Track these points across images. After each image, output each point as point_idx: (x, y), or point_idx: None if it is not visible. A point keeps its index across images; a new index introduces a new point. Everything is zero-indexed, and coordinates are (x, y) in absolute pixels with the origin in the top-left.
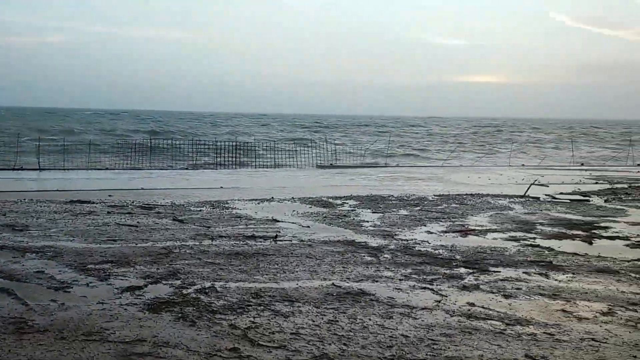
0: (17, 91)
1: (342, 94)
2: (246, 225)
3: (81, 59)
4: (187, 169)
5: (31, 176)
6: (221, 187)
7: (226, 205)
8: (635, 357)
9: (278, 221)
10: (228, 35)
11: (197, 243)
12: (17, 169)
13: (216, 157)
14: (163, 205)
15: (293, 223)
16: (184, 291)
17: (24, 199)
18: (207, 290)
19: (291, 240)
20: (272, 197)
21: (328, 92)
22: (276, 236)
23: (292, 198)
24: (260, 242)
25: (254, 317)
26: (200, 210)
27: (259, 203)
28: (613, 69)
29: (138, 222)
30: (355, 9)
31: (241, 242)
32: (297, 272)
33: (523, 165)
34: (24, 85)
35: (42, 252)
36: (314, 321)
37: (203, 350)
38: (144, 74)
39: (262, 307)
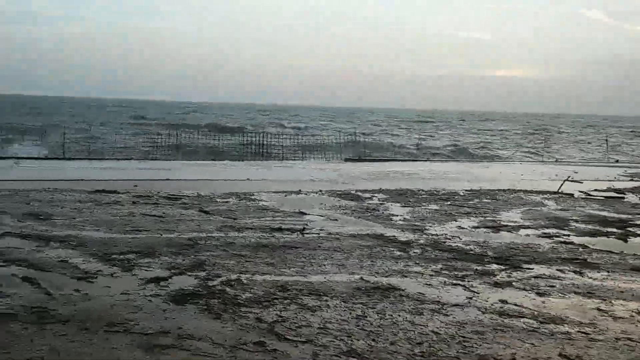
0: (38, 80)
1: (374, 85)
2: (273, 217)
3: (99, 50)
4: (213, 159)
5: (55, 165)
6: (248, 179)
7: (252, 197)
8: None
9: (305, 214)
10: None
11: (223, 235)
12: (42, 158)
13: (242, 148)
14: (188, 196)
15: (320, 216)
16: (209, 283)
17: (48, 188)
18: (232, 283)
19: (319, 234)
20: (300, 190)
21: (359, 83)
22: (303, 229)
23: (320, 191)
24: (287, 234)
25: (280, 311)
26: (226, 202)
27: (286, 195)
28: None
29: (163, 212)
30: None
31: (268, 235)
32: (324, 265)
33: (556, 160)
34: (40, 74)
35: (66, 242)
36: (341, 316)
37: (228, 343)
38: (167, 64)
39: (288, 300)
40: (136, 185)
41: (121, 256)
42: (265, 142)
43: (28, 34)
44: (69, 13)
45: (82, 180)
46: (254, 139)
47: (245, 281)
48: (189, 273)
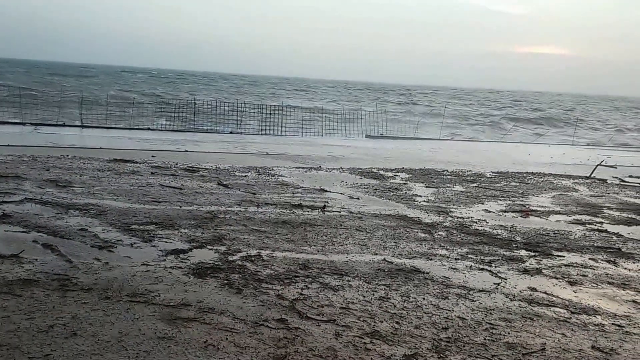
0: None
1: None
2: (293, 193)
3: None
4: (231, 132)
5: (74, 132)
6: (267, 153)
7: (272, 172)
8: None
9: (326, 191)
10: None
11: (243, 209)
12: (60, 125)
13: (261, 122)
14: (207, 169)
15: (342, 194)
16: (230, 257)
17: (67, 155)
18: (253, 258)
19: (340, 212)
20: (320, 166)
21: (382, 59)
22: (324, 206)
23: (341, 168)
24: (308, 211)
25: (301, 289)
26: (245, 176)
27: (306, 171)
28: None
29: (182, 184)
30: None
31: (288, 211)
32: (346, 244)
33: (588, 144)
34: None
35: (86, 210)
36: (364, 297)
37: (250, 319)
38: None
39: (310, 278)
40: (154, 156)
41: (141, 227)
42: (285, 114)
43: None
44: None
45: (100, 148)
46: (270, 109)
47: (265, 257)
48: (209, 247)
